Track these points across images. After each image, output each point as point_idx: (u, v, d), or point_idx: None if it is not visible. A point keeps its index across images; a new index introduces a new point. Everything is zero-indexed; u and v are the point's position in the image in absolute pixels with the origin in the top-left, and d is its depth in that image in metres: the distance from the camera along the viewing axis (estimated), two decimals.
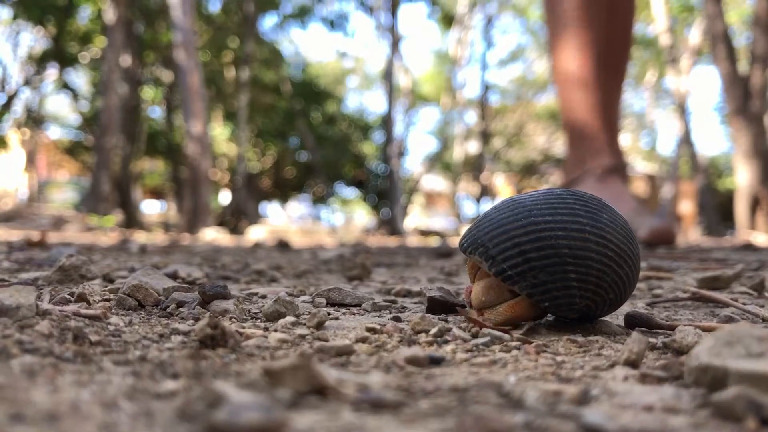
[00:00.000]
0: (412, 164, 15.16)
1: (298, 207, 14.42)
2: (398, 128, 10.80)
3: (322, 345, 0.42)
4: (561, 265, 0.47)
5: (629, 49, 1.98)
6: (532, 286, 0.48)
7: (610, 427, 0.26)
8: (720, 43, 6.03)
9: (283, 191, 12.64)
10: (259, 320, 0.54)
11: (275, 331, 0.48)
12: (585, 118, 1.92)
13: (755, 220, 5.94)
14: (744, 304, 0.66)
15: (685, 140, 8.88)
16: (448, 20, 11.76)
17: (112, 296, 0.61)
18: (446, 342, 0.44)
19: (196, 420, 0.25)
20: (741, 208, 6.03)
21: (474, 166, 11.88)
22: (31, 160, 11.26)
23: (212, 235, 4.51)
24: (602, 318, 0.54)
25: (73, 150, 10.51)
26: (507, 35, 22.34)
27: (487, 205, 11.13)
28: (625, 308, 0.66)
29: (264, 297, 0.69)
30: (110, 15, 6.94)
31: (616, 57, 1.92)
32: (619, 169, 1.89)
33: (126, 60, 7.78)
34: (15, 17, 8.37)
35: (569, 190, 0.52)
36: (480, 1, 11.81)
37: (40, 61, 9.06)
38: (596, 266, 0.48)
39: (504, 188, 13.76)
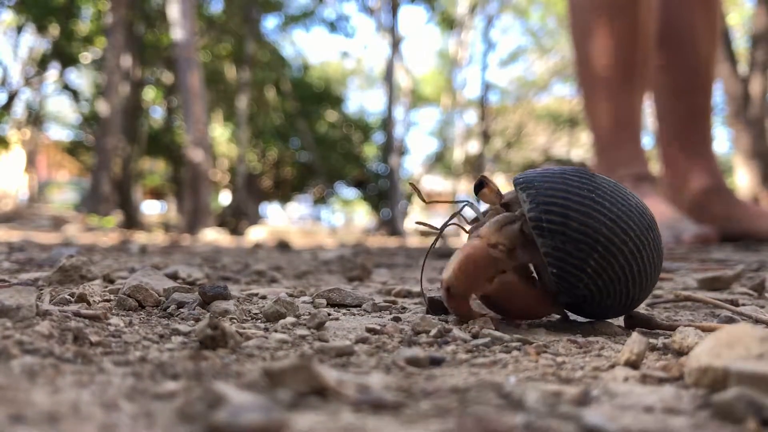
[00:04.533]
0: (413, 165, 15.17)
1: (299, 207, 14.43)
2: (399, 129, 10.81)
3: (323, 346, 0.42)
4: (589, 248, 0.47)
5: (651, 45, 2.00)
6: (553, 248, 0.48)
7: (611, 428, 0.26)
8: (720, 44, 6.03)
9: (283, 192, 12.65)
10: (260, 321, 0.54)
11: (275, 331, 0.48)
12: (614, 124, 1.95)
13: None
14: (743, 305, 0.66)
15: None
16: (448, 22, 11.77)
17: (112, 297, 0.61)
18: (446, 343, 0.44)
19: (197, 421, 0.25)
20: None
21: (474, 167, 11.88)
22: (31, 161, 11.26)
23: (212, 235, 4.51)
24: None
25: (73, 150, 10.52)
26: (507, 36, 22.35)
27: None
28: None
29: (264, 298, 0.69)
30: (111, 16, 6.94)
31: (644, 53, 1.94)
32: (649, 177, 1.92)
33: (127, 61, 7.79)
34: (20, 25, 8.38)
35: (637, 197, 0.52)
36: (481, 2, 11.82)
37: (41, 62, 9.07)
38: (616, 269, 0.48)
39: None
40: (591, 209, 0.48)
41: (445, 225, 0.57)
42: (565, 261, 0.48)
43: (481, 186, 0.53)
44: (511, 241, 0.49)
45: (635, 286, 0.49)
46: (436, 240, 0.58)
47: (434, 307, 0.59)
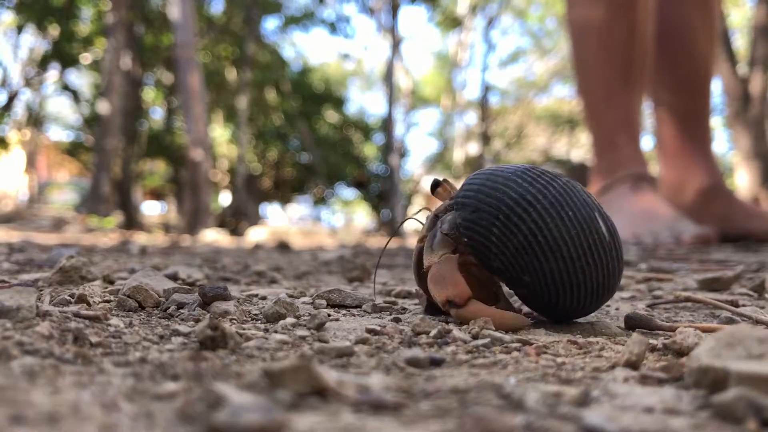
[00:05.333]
0: (413, 165, 15.18)
1: (299, 208, 14.43)
2: (399, 129, 10.81)
3: (323, 346, 0.42)
4: (491, 216, 0.51)
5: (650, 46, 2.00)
6: (464, 218, 0.52)
7: (611, 428, 0.26)
8: (720, 45, 6.02)
9: (283, 192, 12.65)
10: (260, 321, 0.54)
11: (275, 332, 0.48)
12: (613, 125, 1.95)
13: None
14: (743, 305, 0.66)
15: None
16: (450, 22, 11.76)
17: (112, 297, 0.61)
18: (446, 343, 0.44)
19: (197, 421, 0.25)
20: None
21: (474, 168, 11.89)
22: (31, 162, 11.27)
23: (212, 236, 4.51)
24: (574, 317, 0.55)
25: (73, 151, 10.52)
26: (507, 37, 22.35)
27: None
28: (626, 309, 0.65)
29: (264, 298, 0.69)
30: (111, 17, 6.95)
31: (642, 54, 1.94)
32: (648, 177, 1.92)
33: (127, 62, 7.79)
34: (21, 25, 8.37)
35: (579, 188, 0.53)
36: (480, 4, 11.82)
37: (41, 63, 9.07)
38: (520, 239, 0.50)
39: None
40: (502, 185, 0.52)
41: (398, 227, 0.67)
42: (473, 230, 0.52)
43: (438, 186, 0.59)
44: (444, 248, 0.54)
45: (549, 261, 0.49)
46: (389, 241, 0.65)
47: (432, 307, 0.59)
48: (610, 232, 0.52)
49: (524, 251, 0.50)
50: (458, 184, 0.58)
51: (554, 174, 0.53)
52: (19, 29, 8.70)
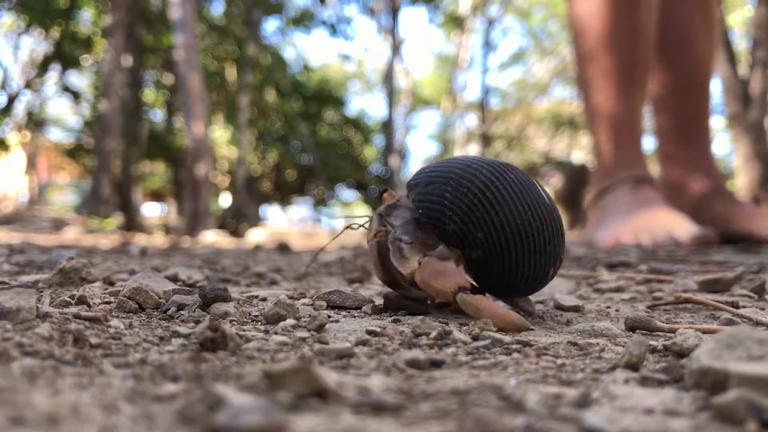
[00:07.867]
0: (413, 167, 15.19)
1: (299, 210, 14.43)
2: (399, 131, 10.81)
3: (323, 348, 0.42)
4: (443, 184, 0.55)
5: (653, 48, 2.00)
6: (417, 194, 0.57)
7: (611, 430, 0.26)
8: (720, 46, 6.03)
9: (283, 194, 12.65)
10: (260, 323, 0.54)
11: (275, 333, 0.48)
12: (615, 126, 1.95)
13: None
14: (744, 307, 0.66)
15: None
16: (453, 21, 11.75)
17: (112, 299, 0.61)
18: (447, 345, 0.44)
19: (197, 423, 0.25)
20: None
21: None
22: (31, 163, 11.27)
23: (212, 237, 4.51)
24: (528, 285, 0.56)
25: (73, 153, 10.52)
26: (508, 38, 22.37)
27: None
28: (626, 311, 0.66)
29: (264, 300, 0.69)
30: (111, 18, 6.96)
31: (645, 55, 1.94)
32: (649, 179, 1.92)
33: (127, 63, 7.80)
34: (27, 24, 8.37)
35: (519, 172, 0.57)
36: (481, 4, 11.83)
37: (41, 64, 9.08)
38: (471, 197, 0.54)
39: None
40: (451, 162, 0.57)
41: (337, 235, 0.70)
42: (427, 200, 0.56)
43: (384, 192, 0.64)
44: (417, 253, 0.56)
45: (498, 214, 0.53)
46: (334, 238, 0.71)
47: (390, 304, 0.61)
48: (549, 199, 0.56)
49: (475, 208, 0.54)
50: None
51: (493, 158, 0.58)
52: (27, 27, 8.68)
